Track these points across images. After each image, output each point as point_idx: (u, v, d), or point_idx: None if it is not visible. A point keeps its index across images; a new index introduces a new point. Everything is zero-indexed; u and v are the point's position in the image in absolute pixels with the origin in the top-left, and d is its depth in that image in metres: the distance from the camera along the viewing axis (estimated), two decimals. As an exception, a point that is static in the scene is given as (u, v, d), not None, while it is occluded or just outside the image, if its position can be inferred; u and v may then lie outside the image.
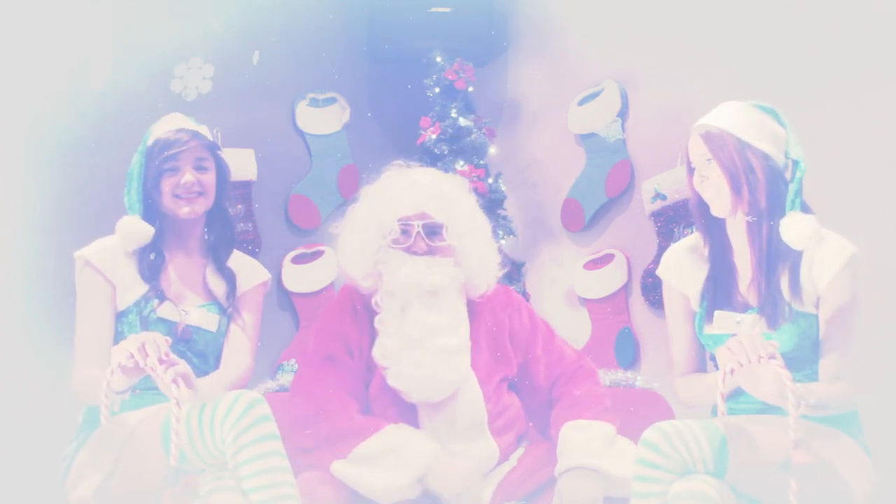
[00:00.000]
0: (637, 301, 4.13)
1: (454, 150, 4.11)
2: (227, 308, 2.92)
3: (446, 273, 2.86)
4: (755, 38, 3.65)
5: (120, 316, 2.83)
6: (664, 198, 3.97)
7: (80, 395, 2.74)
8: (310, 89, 4.28)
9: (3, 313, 3.49)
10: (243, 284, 2.96)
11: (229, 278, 2.94)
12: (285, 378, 3.55)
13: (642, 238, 4.09)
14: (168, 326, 2.81)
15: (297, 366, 3.35)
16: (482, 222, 2.99)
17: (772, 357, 2.40)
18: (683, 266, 2.79)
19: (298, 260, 4.20)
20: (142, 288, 2.84)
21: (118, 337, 2.77)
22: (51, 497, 2.90)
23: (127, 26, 3.83)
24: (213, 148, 2.95)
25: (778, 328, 2.62)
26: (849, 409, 2.63)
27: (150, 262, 2.87)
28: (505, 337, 2.97)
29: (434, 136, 4.12)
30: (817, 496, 2.44)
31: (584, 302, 4.27)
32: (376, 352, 2.86)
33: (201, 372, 2.79)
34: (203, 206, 2.90)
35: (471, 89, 4.22)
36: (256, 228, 4.11)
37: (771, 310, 2.63)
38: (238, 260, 3.01)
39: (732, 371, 2.42)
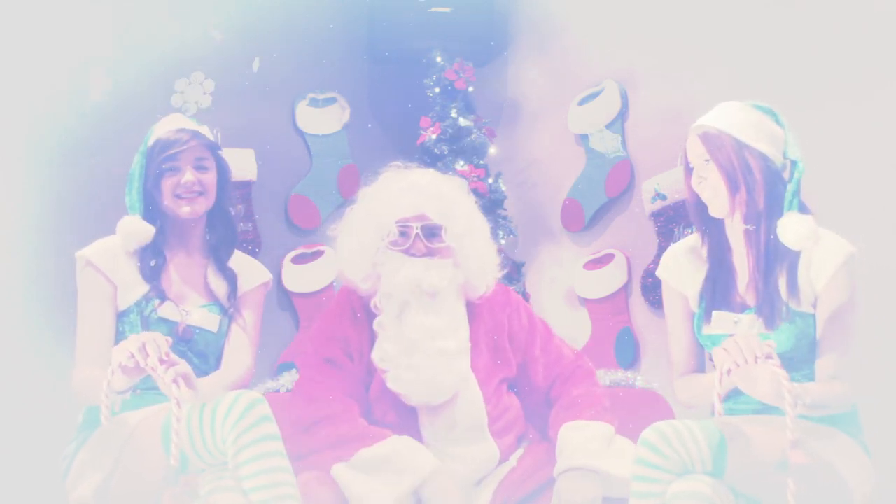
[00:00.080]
0: (637, 301, 4.13)
1: (454, 150, 4.11)
2: (229, 308, 2.92)
3: (445, 274, 2.85)
4: (755, 38, 3.65)
5: (121, 316, 2.83)
6: (664, 198, 3.97)
7: (81, 395, 2.74)
8: (310, 89, 4.28)
9: (3, 313, 3.49)
10: (244, 285, 2.96)
11: (231, 279, 2.94)
12: (285, 378, 3.55)
13: (642, 238, 4.09)
14: (169, 326, 2.81)
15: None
16: (481, 223, 2.99)
17: (768, 357, 2.40)
18: (682, 266, 2.79)
19: (298, 260, 4.20)
20: (143, 288, 2.85)
21: (119, 337, 2.77)
22: (51, 497, 2.90)
23: (127, 26, 3.83)
24: (213, 148, 2.95)
25: (775, 328, 2.62)
26: (846, 408, 2.62)
27: (151, 262, 2.87)
28: (504, 338, 2.96)
29: (434, 136, 4.12)
30: (816, 496, 2.44)
31: (584, 302, 4.27)
32: (376, 355, 2.85)
33: (202, 372, 2.79)
34: (204, 205, 2.90)
35: (471, 89, 4.22)
36: (256, 228, 4.12)
37: (768, 310, 2.63)
38: (239, 260, 3.01)
39: (729, 371, 2.43)
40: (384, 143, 4.35)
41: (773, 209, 2.65)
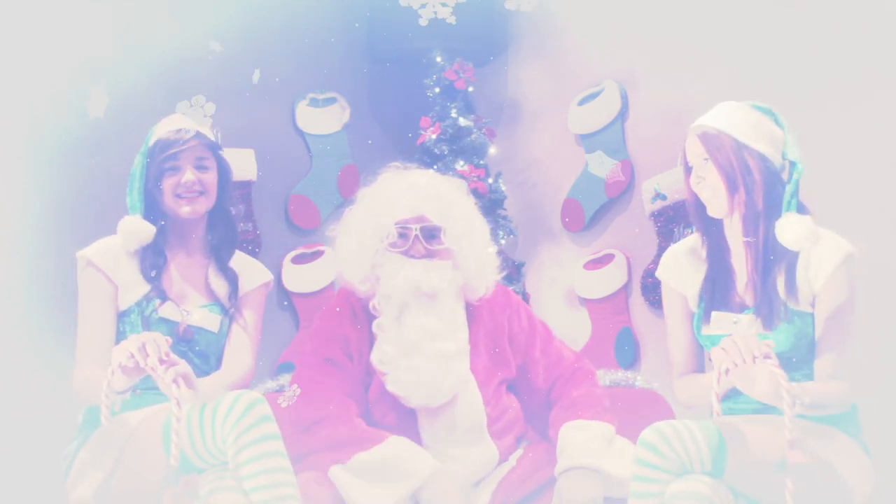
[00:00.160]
0: (637, 301, 4.13)
1: (454, 150, 4.11)
2: (229, 308, 2.92)
3: (444, 276, 2.85)
4: (755, 38, 3.64)
5: (122, 316, 2.83)
6: (664, 198, 3.97)
7: (81, 395, 2.74)
8: (310, 89, 4.27)
9: (3, 313, 3.49)
10: (245, 285, 2.96)
11: (231, 279, 2.94)
12: (285, 379, 3.55)
13: (642, 238, 4.09)
14: (170, 326, 2.82)
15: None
16: (480, 224, 2.99)
17: (766, 356, 2.40)
18: (682, 267, 2.79)
19: (298, 260, 4.19)
20: (144, 288, 2.85)
21: (120, 337, 2.78)
22: (51, 497, 2.90)
23: (127, 26, 3.83)
24: (214, 147, 2.95)
25: (774, 328, 2.62)
26: (845, 408, 2.62)
27: (152, 261, 2.87)
28: (504, 339, 2.96)
29: (434, 136, 4.12)
30: (816, 496, 2.44)
31: (584, 302, 4.27)
32: (375, 357, 2.85)
33: (202, 372, 2.79)
34: (204, 205, 2.90)
35: (471, 89, 4.22)
36: (256, 228, 4.11)
37: (767, 310, 2.63)
38: (240, 260, 3.01)
39: (727, 371, 2.43)
40: (384, 143, 4.35)
41: (772, 209, 2.65)
